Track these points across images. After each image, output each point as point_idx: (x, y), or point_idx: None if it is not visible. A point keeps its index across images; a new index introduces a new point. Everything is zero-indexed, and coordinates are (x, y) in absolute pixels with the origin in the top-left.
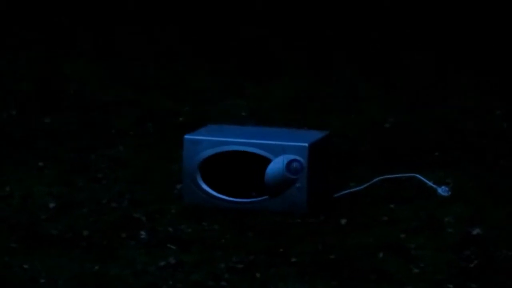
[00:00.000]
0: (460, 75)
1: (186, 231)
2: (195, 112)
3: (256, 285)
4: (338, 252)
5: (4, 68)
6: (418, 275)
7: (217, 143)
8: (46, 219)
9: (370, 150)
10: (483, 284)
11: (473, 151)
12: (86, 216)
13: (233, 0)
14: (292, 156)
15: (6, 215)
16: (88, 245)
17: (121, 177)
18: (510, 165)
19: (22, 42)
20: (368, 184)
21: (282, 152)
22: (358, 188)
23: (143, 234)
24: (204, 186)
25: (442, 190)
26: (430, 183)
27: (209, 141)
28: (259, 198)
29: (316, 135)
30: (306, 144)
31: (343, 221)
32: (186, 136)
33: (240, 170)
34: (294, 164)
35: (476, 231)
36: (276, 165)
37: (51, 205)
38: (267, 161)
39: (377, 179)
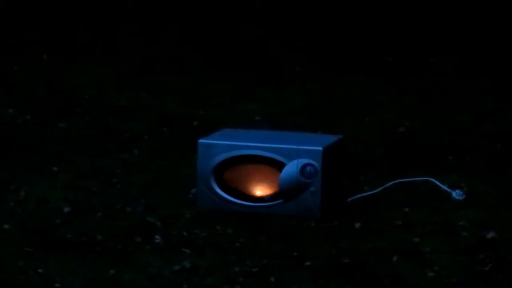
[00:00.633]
0: (474, 79)
1: (200, 235)
2: (209, 117)
3: None
4: (352, 256)
5: (19, 74)
6: (432, 279)
7: (231, 147)
8: (60, 223)
9: (384, 154)
10: None
11: (487, 155)
12: (100, 221)
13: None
14: (306, 160)
15: (21, 220)
16: (103, 250)
17: (136, 181)
18: None
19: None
20: (382, 188)
21: (296, 156)
22: (372, 192)
23: (157, 238)
24: (218, 190)
25: (457, 194)
26: (444, 187)
27: (223, 145)
28: (273, 202)
29: (330, 139)
30: (320, 148)
31: (357, 225)
32: (200, 140)
33: (254, 174)
34: (308, 168)
35: (490, 235)
36: (290, 169)
37: (66, 209)
38: (281, 165)
39: (391, 183)
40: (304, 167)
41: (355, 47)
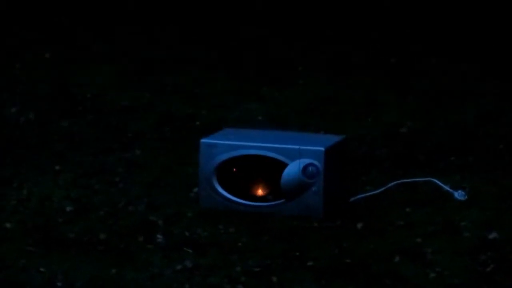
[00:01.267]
0: (477, 80)
1: (202, 235)
2: (211, 116)
3: None
4: (354, 256)
5: (22, 73)
6: (434, 279)
7: (234, 147)
8: (63, 222)
9: (387, 154)
10: None
11: (489, 155)
12: (103, 220)
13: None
14: (308, 160)
15: (23, 218)
16: (105, 249)
17: (138, 180)
18: None
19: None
20: (384, 188)
21: (299, 156)
22: (374, 192)
23: (159, 237)
24: (221, 190)
25: (459, 195)
26: (447, 188)
27: (225, 145)
28: (275, 202)
29: (333, 139)
30: (323, 148)
31: (359, 225)
32: (203, 140)
33: (256, 174)
34: (310, 168)
35: (492, 236)
36: (293, 169)
37: (68, 208)
38: (284, 165)
39: (393, 183)
40: (306, 167)
41: (357, 47)
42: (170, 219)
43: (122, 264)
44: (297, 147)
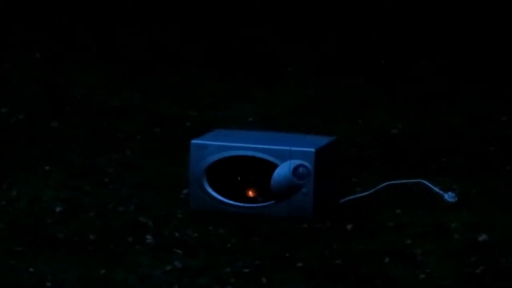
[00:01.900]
0: (467, 81)
1: (192, 236)
2: (202, 117)
3: None
4: (344, 257)
5: (11, 72)
6: (424, 280)
7: (224, 148)
8: (52, 223)
9: (377, 155)
10: None
11: (479, 157)
12: (92, 220)
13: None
14: (298, 161)
15: (12, 219)
16: (95, 249)
17: (128, 181)
18: None
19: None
20: (374, 189)
21: (289, 157)
22: (364, 194)
23: (149, 238)
24: (211, 191)
25: (449, 196)
26: (437, 189)
27: (215, 146)
28: (266, 203)
29: (323, 140)
30: (313, 150)
31: (349, 227)
32: (193, 141)
33: (246, 175)
34: (301, 170)
35: (482, 237)
36: (283, 170)
37: (58, 209)
38: (274, 166)
39: (383, 184)
40: (296, 168)
41: (349, 49)
42: (160, 220)
43: (112, 264)
44: (287, 148)
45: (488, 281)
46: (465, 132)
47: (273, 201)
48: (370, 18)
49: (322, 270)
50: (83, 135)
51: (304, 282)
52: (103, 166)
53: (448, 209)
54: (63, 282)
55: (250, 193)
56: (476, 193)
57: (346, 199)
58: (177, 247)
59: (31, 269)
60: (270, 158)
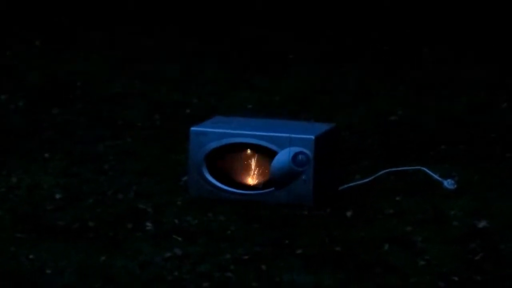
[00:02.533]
0: (467, 69)
1: (192, 223)
2: (202, 104)
3: (262, 277)
4: (343, 245)
5: (12, 61)
6: (423, 267)
7: (223, 135)
8: (52, 210)
9: (377, 143)
10: (488, 277)
11: (479, 144)
12: (92, 207)
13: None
14: (298, 149)
15: (12, 206)
16: (94, 236)
17: (128, 168)
18: None
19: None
20: (374, 176)
21: (289, 144)
22: (364, 181)
23: (149, 225)
24: (210, 178)
25: (448, 183)
26: (436, 176)
27: (215, 133)
28: (265, 190)
29: (323, 127)
30: (313, 137)
31: (349, 214)
32: (193, 128)
33: (246, 162)
34: (300, 157)
35: (481, 224)
36: (282, 158)
37: (58, 196)
38: (274, 153)
39: (383, 171)
40: (296, 155)
41: (350, 36)
42: (159, 207)
43: (111, 251)
44: (287, 135)
45: (487, 267)
46: (466, 119)
47: (272, 188)
48: (366, 7)
49: (322, 257)
50: (83, 122)
51: (304, 269)
52: (102, 153)
53: (448, 196)
54: (63, 269)
55: (250, 180)
56: (476, 180)
57: (346, 186)
58: (177, 234)
59: (31, 256)
60: (270, 145)
